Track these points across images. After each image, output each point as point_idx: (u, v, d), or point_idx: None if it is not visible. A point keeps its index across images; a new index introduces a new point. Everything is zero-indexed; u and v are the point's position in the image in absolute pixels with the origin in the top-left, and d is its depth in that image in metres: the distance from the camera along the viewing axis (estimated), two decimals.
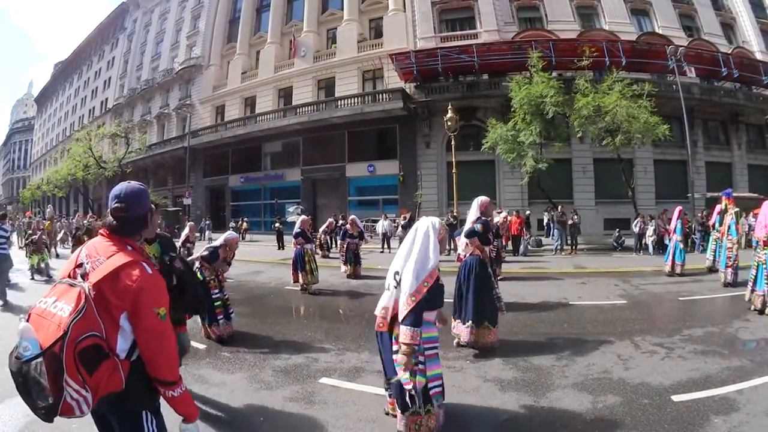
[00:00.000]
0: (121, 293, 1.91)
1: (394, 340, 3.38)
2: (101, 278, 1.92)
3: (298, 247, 10.62)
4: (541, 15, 29.14)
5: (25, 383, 1.78)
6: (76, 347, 1.77)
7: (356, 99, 28.37)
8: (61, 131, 64.16)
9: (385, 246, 20.41)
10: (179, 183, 37.24)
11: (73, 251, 13.87)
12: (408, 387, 3.22)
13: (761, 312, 7.40)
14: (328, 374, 5.18)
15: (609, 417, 3.98)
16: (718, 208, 11.26)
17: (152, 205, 2.29)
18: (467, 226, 6.25)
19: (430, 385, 3.42)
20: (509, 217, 16.22)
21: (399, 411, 3.42)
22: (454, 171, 20.19)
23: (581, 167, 25.96)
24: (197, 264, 6.66)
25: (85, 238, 17.51)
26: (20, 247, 13.73)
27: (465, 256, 6.24)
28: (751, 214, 16.32)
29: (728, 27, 31.73)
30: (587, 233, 21.27)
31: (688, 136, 22.07)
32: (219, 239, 7.00)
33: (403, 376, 3.20)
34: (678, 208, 12.47)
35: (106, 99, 52.83)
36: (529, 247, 18.78)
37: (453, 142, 20.44)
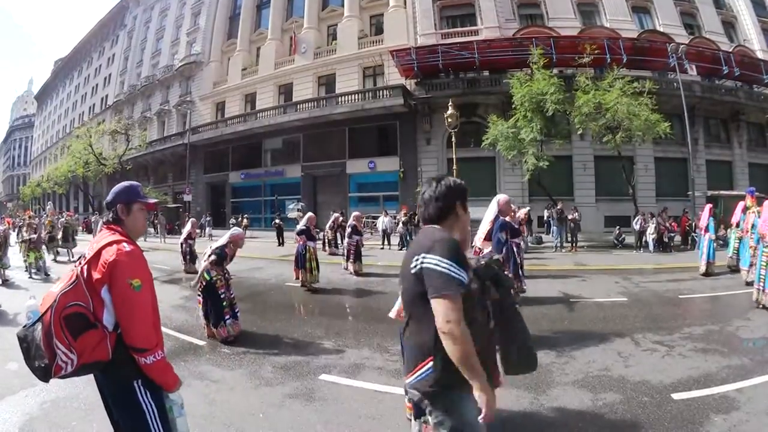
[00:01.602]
0: (101, 268, 2.16)
1: None
2: (89, 258, 2.23)
3: (301, 243, 10.52)
4: (542, 12, 29.07)
5: (27, 347, 2.12)
6: (62, 313, 2.07)
7: (357, 95, 28.29)
8: (62, 128, 64.08)
9: (386, 243, 20.40)
10: (179, 180, 37.21)
11: (49, 250, 13.80)
12: None
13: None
14: (328, 371, 5.19)
15: (609, 415, 3.98)
16: (741, 205, 11.04)
17: (136, 199, 2.44)
18: (485, 225, 6.19)
19: None
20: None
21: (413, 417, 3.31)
22: (454, 167, 20.13)
23: (582, 164, 25.92)
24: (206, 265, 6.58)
25: (59, 237, 17.50)
26: (22, 242, 13.68)
27: (483, 251, 6.19)
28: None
29: (729, 25, 31.64)
30: (588, 230, 21.27)
31: (689, 134, 22.05)
32: (224, 237, 6.94)
33: None
34: (708, 206, 12.14)
35: (106, 96, 52.76)
36: (530, 244, 18.75)
37: (453, 139, 20.39)
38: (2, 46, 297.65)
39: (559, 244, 18.50)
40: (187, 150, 33.87)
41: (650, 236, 17.52)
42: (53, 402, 4.39)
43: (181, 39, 42.79)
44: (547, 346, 5.85)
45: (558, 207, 19.22)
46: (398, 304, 3.29)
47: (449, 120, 19.71)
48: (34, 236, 13.31)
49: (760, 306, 7.69)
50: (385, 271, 12.93)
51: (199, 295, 6.70)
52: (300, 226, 10.87)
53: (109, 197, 2.43)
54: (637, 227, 18.29)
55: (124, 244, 2.24)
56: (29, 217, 16.20)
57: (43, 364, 2.09)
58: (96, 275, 2.15)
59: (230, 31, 39.63)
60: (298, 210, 24.84)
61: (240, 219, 28.61)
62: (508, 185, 25.76)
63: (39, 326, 2.10)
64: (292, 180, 31.12)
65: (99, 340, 2.12)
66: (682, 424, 3.76)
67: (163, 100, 43.42)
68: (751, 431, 3.68)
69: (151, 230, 28.53)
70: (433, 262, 2.02)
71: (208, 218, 29.28)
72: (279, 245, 21.53)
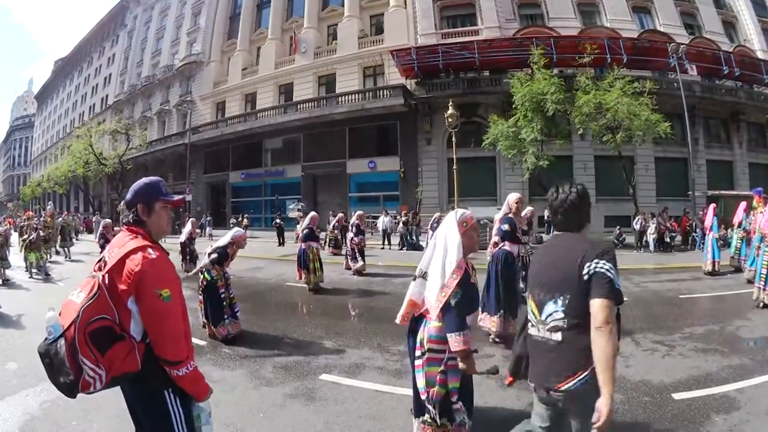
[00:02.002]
0: (126, 278, 2.03)
1: (418, 344, 3.12)
2: (111, 266, 2.08)
3: (303, 244, 10.33)
4: (542, 12, 29.06)
5: (51, 363, 1.98)
6: (86, 329, 1.95)
7: (357, 95, 28.28)
8: (62, 128, 64.07)
9: (386, 242, 20.38)
10: (180, 179, 37.15)
11: (40, 250, 13.41)
12: (423, 397, 3.08)
13: None
14: (329, 371, 5.19)
15: None
16: (743, 205, 11.03)
17: (159, 197, 2.28)
18: (496, 225, 6.33)
19: (453, 398, 3.05)
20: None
21: (413, 414, 3.29)
22: (454, 167, 20.14)
23: (582, 164, 25.90)
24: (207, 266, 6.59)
25: (56, 238, 17.29)
26: (23, 241, 13.69)
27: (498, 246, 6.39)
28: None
29: (729, 25, 31.64)
30: (588, 230, 21.21)
31: (689, 134, 22.04)
32: (225, 237, 6.92)
33: (420, 383, 3.09)
34: (713, 205, 12.15)
35: (107, 96, 52.73)
36: (530, 244, 18.70)
37: (454, 139, 20.39)
38: (2, 45, 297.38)
39: None
40: (188, 150, 33.85)
41: (651, 236, 17.53)
42: (53, 402, 4.39)
43: (181, 39, 42.78)
44: None
45: None
46: (404, 308, 3.30)
47: (449, 120, 19.70)
48: (34, 236, 13.32)
49: (761, 305, 7.75)
50: (386, 271, 12.94)
51: (200, 295, 6.71)
52: (305, 226, 10.64)
53: (128, 196, 2.27)
54: (637, 227, 18.29)
55: (150, 250, 2.10)
56: (28, 218, 16.20)
57: (68, 381, 1.97)
58: (121, 286, 2.04)
59: (230, 31, 39.63)
60: (298, 210, 24.82)
61: (240, 219, 28.59)
62: (508, 185, 25.71)
63: (62, 341, 1.96)
64: (292, 180, 31.12)
65: (128, 352, 2.04)
66: (682, 424, 3.76)
67: (164, 99, 43.41)
68: (751, 431, 3.67)
69: None
70: (606, 267, 2.20)
71: (208, 218, 29.23)
72: (279, 245, 21.52)
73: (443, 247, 3.05)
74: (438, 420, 3.03)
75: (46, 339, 2.01)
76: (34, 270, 12.92)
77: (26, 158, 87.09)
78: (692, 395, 4.30)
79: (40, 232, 13.65)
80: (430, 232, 6.31)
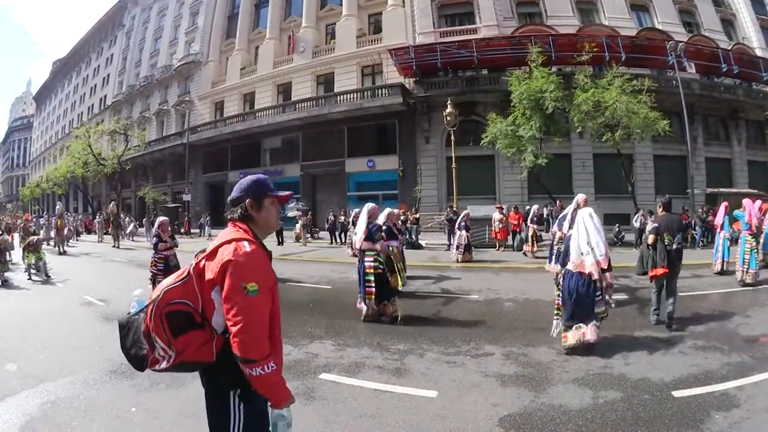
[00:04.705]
0: (215, 267, 2.02)
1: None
2: (205, 255, 2.11)
3: (378, 245, 7.52)
4: (540, 10, 29.06)
5: (127, 335, 2.11)
6: (164, 309, 2.01)
7: (355, 94, 28.28)
8: (60, 129, 64.03)
9: None
10: (179, 179, 37.19)
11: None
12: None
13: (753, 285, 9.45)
14: (329, 370, 5.19)
15: (610, 413, 3.98)
16: (757, 204, 10.77)
17: (267, 193, 2.27)
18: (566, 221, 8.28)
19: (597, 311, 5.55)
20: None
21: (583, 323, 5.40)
22: (453, 166, 20.16)
23: (581, 162, 25.91)
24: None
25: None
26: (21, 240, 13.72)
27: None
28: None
29: (728, 23, 31.64)
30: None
31: (688, 131, 22.01)
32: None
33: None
34: (725, 203, 11.76)
35: (105, 96, 52.71)
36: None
37: (452, 137, 20.41)
38: (2, 46, 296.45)
39: None
40: (186, 150, 33.87)
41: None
42: (53, 403, 4.39)
43: (179, 39, 42.76)
44: (547, 344, 5.86)
45: (558, 204, 19.18)
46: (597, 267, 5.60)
47: (448, 118, 19.74)
48: (33, 238, 13.33)
49: (742, 283, 9.57)
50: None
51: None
52: (370, 226, 7.63)
53: (235, 193, 2.25)
54: (636, 225, 18.26)
55: (245, 242, 2.06)
56: (26, 221, 16.23)
57: (141, 354, 2.07)
58: (209, 275, 2.02)
59: (229, 31, 39.60)
60: (297, 209, 24.82)
61: None
62: (507, 183, 25.79)
63: (142, 316, 2.08)
64: (291, 179, 31.06)
65: (204, 342, 2.02)
66: (682, 422, 3.76)
67: (162, 100, 43.39)
68: (751, 429, 3.68)
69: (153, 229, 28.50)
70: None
71: (207, 218, 29.19)
72: (278, 244, 21.46)
73: (596, 231, 5.78)
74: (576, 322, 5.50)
75: (128, 312, 2.16)
76: (33, 271, 12.91)
77: (25, 159, 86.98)
78: (692, 393, 4.30)
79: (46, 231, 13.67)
80: (565, 224, 7.39)
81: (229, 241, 2.07)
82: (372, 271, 7.19)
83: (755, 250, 9.72)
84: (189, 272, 2.08)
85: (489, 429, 3.79)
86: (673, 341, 5.89)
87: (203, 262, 2.08)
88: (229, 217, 2.24)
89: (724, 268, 11.16)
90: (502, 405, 4.21)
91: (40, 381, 4.93)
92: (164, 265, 8.86)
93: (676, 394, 4.29)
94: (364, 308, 7.27)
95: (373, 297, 7.12)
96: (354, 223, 16.88)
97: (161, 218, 9.35)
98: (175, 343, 2.00)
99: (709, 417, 3.83)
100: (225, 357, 2.01)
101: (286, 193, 2.36)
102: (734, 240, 11.28)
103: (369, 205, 7.82)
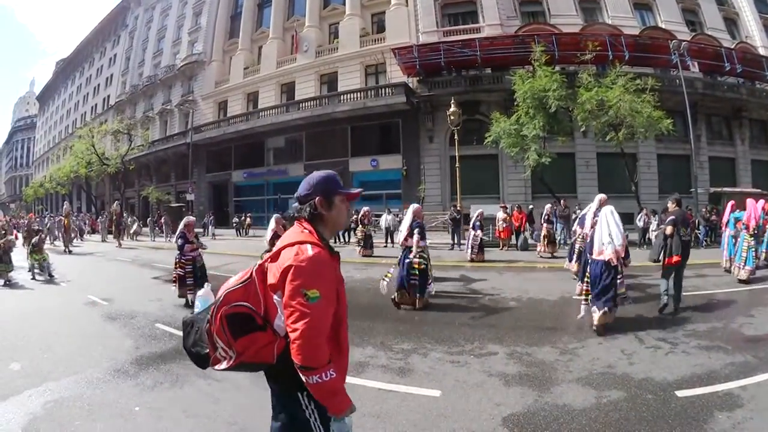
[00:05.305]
0: (276, 271, 1.98)
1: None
2: (268, 257, 2.09)
3: (419, 243, 8.12)
4: (543, 9, 29.00)
5: (189, 333, 2.18)
6: (225, 311, 2.02)
7: (359, 93, 28.30)
8: (64, 129, 64.24)
9: (389, 240, 20.30)
10: (182, 179, 37.28)
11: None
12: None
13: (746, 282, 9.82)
14: None
15: (613, 412, 3.97)
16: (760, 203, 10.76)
17: (338, 190, 2.19)
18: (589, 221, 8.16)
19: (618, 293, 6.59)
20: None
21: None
22: (457, 165, 20.12)
23: (584, 161, 25.86)
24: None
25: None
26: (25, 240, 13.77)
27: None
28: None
29: (731, 22, 31.51)
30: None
31: (692, 130, 21.92)
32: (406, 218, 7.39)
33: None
34: (731, 202, 11.90)
35: (108, 96, 52.82)
36: (531, 241, 18.65)
37: (456, 137, 20.37)
38: (5, 46, 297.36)
39: (563, 241, 18.42)
40: (190, 149, 33.96)
41: (653, 233, 17.45)
42: (57, 402, 4.41)
43: (182, 38, 42.85)
44: (550, 344, 5.85)
45: (562, 204, 19.12)
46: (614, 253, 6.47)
47: (452, 118, 19.69)
48: (37, 238, 13.39)
49: (737, 279, 10.04)
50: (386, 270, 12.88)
51: None
52: (410, 222, 8.35)
53: (302, 190, 2.17)
54: (640, 224, 18.23)
55: (308, 246, 1.97)
56: (30, 221, 16.33)
57: (203, 352, 2.11)
58: (270, 279, 1.99)
59: (232, 30, 39.67)
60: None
61: (243, 218, 28.65)
62: (510, 183, 25.76)
63: (206, 315, 2.11)
64: (294, 179, 31.00)
65: (265, 344, 2.01)
66: (686, 422, 3.76)
67: (165, 99, 43.50)
68: (754, 429, 3.67)
69: (156, 229, 28.62)
70: None
71: (211, 218, 29.25)
72: None
73: (616, 225, 6.53)
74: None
75: (193, 311, 2.24)
76: (36, 271, 12.94)
77: (28, 159, 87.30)
78: (695, 393, 4.29)
79: (43, 234, 13.72)
80: (587, 222, 8.19)
81: (291, 244, 2.00)
82: (417, 266, 7.96)
83: (752, 249, 10.06)
84: (251, 274, 2.07)
85: (493, 428, 3.79)
86: (677, 341, 5.87)
87: (267, 263, 2.06)
88: (296, 215, 2.17)
89: (730, 266, 11.17)
90: (506, 404, 4.21)
91: (44, 380, 4.95)
92: (192, 266, 8.67)
93: (680, 393, 4.28)
94: (397, 295, 8.12)
95: (416, 287, 7.98)
96: (360, 222, 17.29)
97: (188, 218, 9.03)
98: (234, 344, 2.01)
99: (712, 417, 3.82)
100: (288, 360, 1.94)
101: (357, 190, 2.30)
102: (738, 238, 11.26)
103: (414, 206, 8.71)
